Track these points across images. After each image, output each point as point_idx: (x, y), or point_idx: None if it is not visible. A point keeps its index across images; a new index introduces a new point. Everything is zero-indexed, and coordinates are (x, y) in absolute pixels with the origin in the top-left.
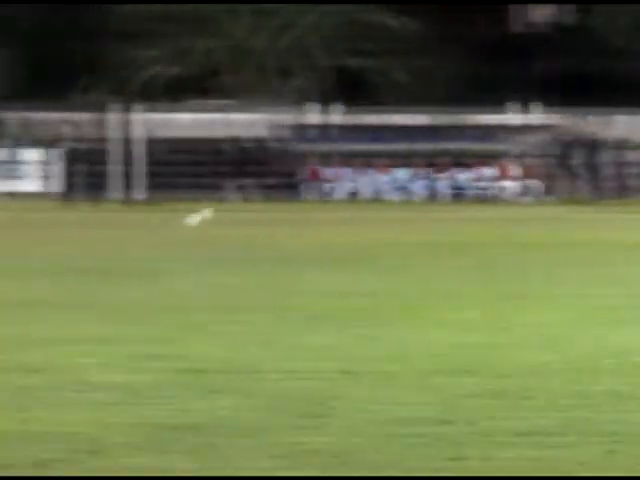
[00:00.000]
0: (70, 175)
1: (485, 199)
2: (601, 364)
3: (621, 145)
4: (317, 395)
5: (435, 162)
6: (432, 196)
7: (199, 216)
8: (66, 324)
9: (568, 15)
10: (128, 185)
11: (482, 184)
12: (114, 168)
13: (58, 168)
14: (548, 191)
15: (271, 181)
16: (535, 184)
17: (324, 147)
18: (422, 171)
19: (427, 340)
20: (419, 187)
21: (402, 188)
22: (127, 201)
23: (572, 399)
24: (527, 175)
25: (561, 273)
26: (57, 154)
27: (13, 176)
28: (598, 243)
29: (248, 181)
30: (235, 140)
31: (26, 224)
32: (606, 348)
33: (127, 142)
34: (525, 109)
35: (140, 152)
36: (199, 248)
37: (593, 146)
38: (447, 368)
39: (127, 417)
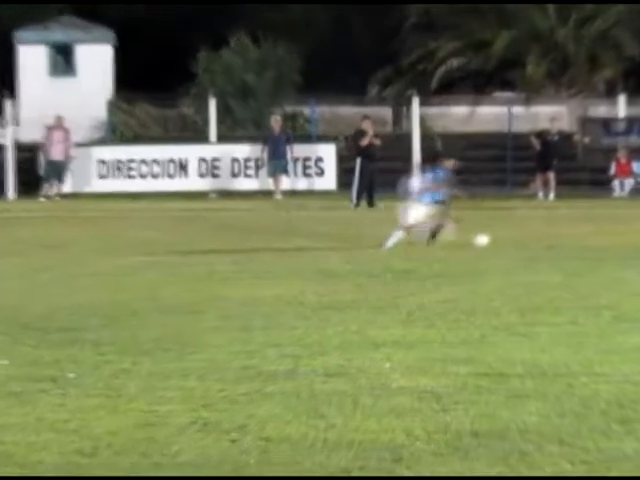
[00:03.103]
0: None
1: None
2: None
3: None
4: (628, 399)
5: None
6: None
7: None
8: (369, 326)
9: None
10: None
11: None
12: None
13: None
14: None
15: (579, 177)
16: None
17: (634, 141)
18: None
19: None
20: None
21: None
22: None
23: None
24: None
25: None
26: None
27: (312, 173)
28: None
29: (555, 177)
30: (539, 134)
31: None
32: None
33: (426, 138)
34: None
35: (437, 147)
36: (508, 247)
37: None
38: None
39: (429, 423)
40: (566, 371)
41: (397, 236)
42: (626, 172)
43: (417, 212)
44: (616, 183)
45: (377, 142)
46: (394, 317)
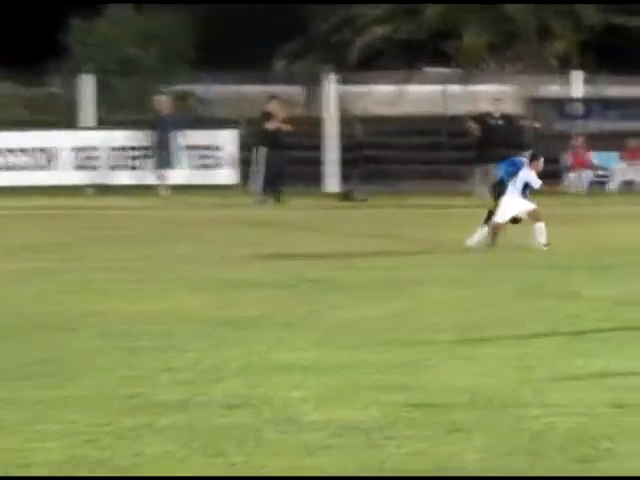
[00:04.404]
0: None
1: None
2: None
3: None
4: (588, 435)
5: None
6: None
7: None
8: (277, 347)
9: None
10: (347, 175)
11: None
12: (329, 155)
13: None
14: None
15: None
16: None
17: (592, 126)
18: None
19: None
20: None
21: None
22: (347, 195)
23: None
24: None
25: None
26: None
27: (207, 164)
28: None
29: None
30: (479, 118)
31: (225, 223)
32: None
33: (345, 122)
34: None
35: (355, 134)
36: (448, 253)
37: None
38: None
39: (351, 463)
40: (516, 401)
41: (483, 234)
42: (583, 163)
43: (517, 207)
44: (572, 176)
45: (286, 128)
46: (307, 336)
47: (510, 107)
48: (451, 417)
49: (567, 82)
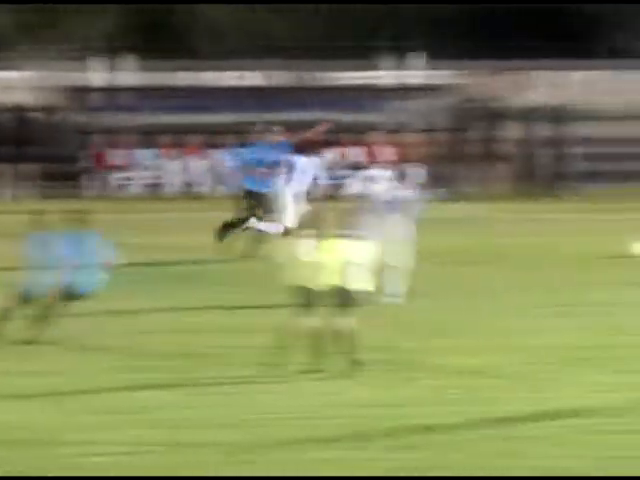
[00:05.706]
0: None
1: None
2: None
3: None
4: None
5: None
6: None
7: None
8: None
9: None
10: None
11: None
12: None
13: None
14: (434, 181)
15: (67, 169)
16: (416, 171)
17: (114, 119)
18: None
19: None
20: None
21: (227, 177)
22: None
23: None
24: (404, 158)
25: None
26: None
27: None
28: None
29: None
30: (12, 109)
31: None
32: None
33: None
34: (401, 62)
35: None
36: None
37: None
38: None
39: None
40: (43, 437)
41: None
42: (102, 162)
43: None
44: (87, 177)
45: None
46: None
47: (48, 96)
48: None
49: (116, 67)
